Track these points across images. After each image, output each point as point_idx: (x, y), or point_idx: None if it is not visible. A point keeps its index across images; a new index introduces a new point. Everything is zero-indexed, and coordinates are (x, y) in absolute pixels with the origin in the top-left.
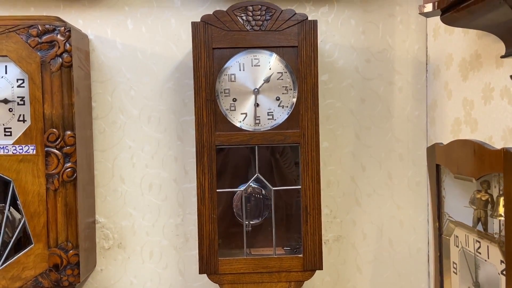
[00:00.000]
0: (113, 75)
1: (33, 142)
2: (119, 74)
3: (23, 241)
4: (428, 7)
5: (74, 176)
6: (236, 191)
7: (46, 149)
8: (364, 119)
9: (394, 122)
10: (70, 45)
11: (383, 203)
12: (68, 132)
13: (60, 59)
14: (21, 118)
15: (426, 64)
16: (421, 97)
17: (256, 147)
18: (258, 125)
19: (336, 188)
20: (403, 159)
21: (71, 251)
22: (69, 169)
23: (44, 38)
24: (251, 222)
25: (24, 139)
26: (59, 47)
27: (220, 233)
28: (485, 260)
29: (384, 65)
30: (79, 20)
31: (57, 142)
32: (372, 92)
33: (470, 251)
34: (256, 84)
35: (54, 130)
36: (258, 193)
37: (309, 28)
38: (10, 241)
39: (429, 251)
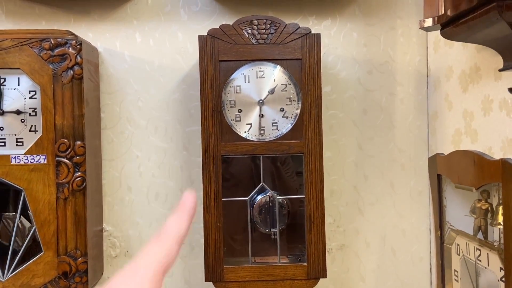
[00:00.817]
0: (122, 87)
1: (44, 152)
2: (127, 85)
3: (33, 249)
4: (428, 22)
5: (84, 185)
6: (242, 200)
7: (57, 158)
8: (367, 129)
9: (396, 133)
10: (81, 58)
11: (386, 212)
12: (78, 142)
13: (72, 72)
14: (32, 129)
15: (427, 76)
16: (422, 108)
17: (261, 157)
18: (263, 135)
19: (339, 197)
20: (405, 169)
21: (79, 258)
22: (79, 178)
23: (56, 51)
24: (272, 230)
25: (35, 149)
26: (70, 60)
27: (226, 241)
28: (485, 268)
29: (386, 77)
30: (89, 33)
31: (68, 152)
32: (374, 103)
33: (470, 259)
34: (261, 96)
35: (65, 140)
36: (273, 202)
37: (313, 41)
38: (20, 250)
39: (431, 260)
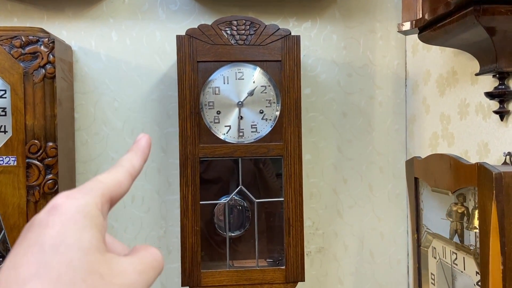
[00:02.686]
0: (97, 87)
1: (14, 154)
2: (103, 85)
3: (3, 254)
4: (406, 26)
5: (56, 188)
6: (221, 203)
7: (27, 160)
8: (346, 132)
9: (375, 136)
10: (53, 56)
11: (364, 215)
12: (50, 144)
13: (43, 70)
14: (2, 129)
15: (405, 79)
16: (400, 111)
17: (240, 159)
18: (242, 138)
19: (318, 200)
20: (383, 172)
21: None
22: (51, 181)
23: (27, 49)
24: (232, 234)
25: (5, 150)
26: (42, 58)
27: (202, 245)
28: (462, 272)
29: (365, 80)
30: (63, 31)
31: (39, 153)
32: (354, 106)
33: (447, 263)
34: (240, 97)
35: (36, 141)
36: (240, 205)
37: (292, 43)
38: None
39: (408, 262)
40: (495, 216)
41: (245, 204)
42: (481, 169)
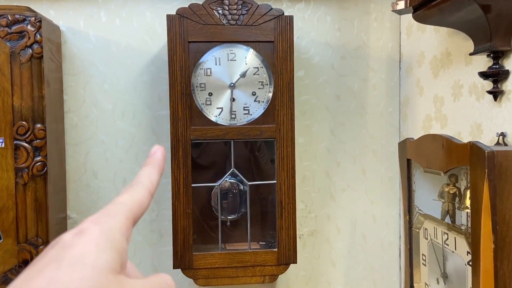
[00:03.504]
0: (86, 68)
1: (2, 135)
2: (92, 67)
3: None
4: (401, 5)
5: (45, 170)
6: (213, 186)
7: (15, 142)
8: (339, 115)
9: (368, 119)
10: (40, 36)
11: (357, 198)
12: (38, 125)
13: (30, 50)
14: None
15: (399, 61)
16: (394, 94)
17: (232, 141)
18: (234, 120)
19: (311, 183)
20: (377, 155)
21: (41, 246)
22: (39, 163)
23: (14, 28)
24: (228, 218)
25: None
26: (29, 37)
27: (195, 228)
28: (453, 252)
29: (359, 62)
30: (50, 11)
31: (27, 135)
32: (347, 88)
33: (438, 243)
34: (232, 79)
35: (24, 123)
36: (235, 189)
37: (285, 24)
38: None
39: (400, 245)
40: (487, 195)
41: (242, 187)
42: (473, 148)
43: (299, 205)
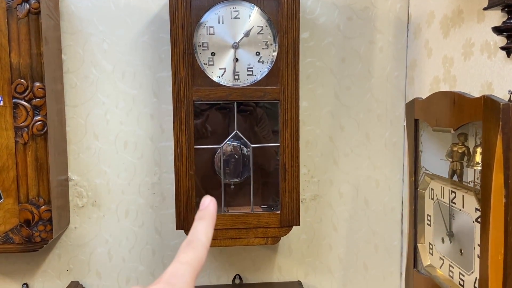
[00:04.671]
0: (84, 27)
1: (0, 93)
2: (91, 25)
3: None
4: None
5: (45, 130)
6: (215, 148)
7: (14, 100)
8: (344, 79)
9: (374, 83)
10: None
11: (360, 163)
12: (37, 84)
13: (27, 5)
14: None
15: (408, 23)
16: (401, 57)
17: (235, 103)
18: (237, 81)
19: (314, 148)
20: (381, 120)
21: (43, 206)
22: (39, 123)
23: None
24: (231, 181)
25: None
26: None
27: (197, 192)
28: (460, 210)
29: (366, 24)
30: None
31: (26, 93)
32: (353, 51)
33: (445, 202)
34: (235, 38)
35: (22, 80)
36: (237, 153)
37: None
38: None
39: (402, 210)
40: (499, 149)
41: (245, 151)
42: (487, 101)
43: (302, 170)
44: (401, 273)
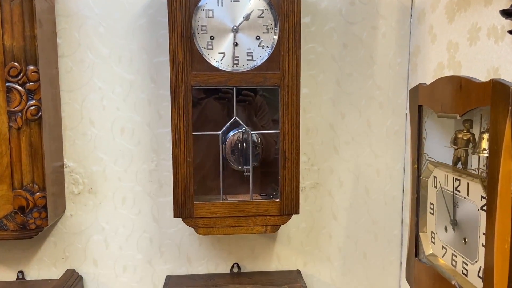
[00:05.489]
0: (80, 9)
1: None
2: (87, 8)
3: None
4: None
5: (39, 115)
6: (214, 134)
7: (7, 84)
8: (346, 65)
9: (376, 69)
10: None
11: (361, 151)
12: (31, 67)
13: None
14: None
15: (411, 8)
16: (404, 43)
17: (234, 88)
18: (236, 66)
19: (315, 135)
20: (383, 107)
21: (37, 193)
22: (33, 107)
23: None
24: (245, 167)
25: None
26: None
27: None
28: (464, 198)
29: (369, 9)
30: None
31: (19, 77)
32: (355, 37)
33: (448, 190)
34: (235, 22)
35: (16, 64)
36: (247, 141)
37: None
38: None
39: (403, 199)
40: (508, 135)
41: (257, 139)
42: (496, 85)
43: (302, 158)
44: (401, 263)
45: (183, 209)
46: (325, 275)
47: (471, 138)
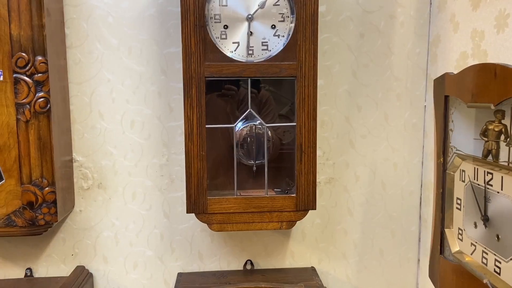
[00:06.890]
0: None
1: (0, 67)
2: None
3: None
4: None
5: (48, 107)
6: (228, 128)
7: (15, 75)
8: (362, 55)
9: (394, 60)
10: None
11: (378, 145)
12: (39, 58)
13: None
14: None
15: None
16: (423, 33)
17: (249, 79)
18: (251, 56)
19: (330, 129)
20: (401, 99)
21: (46, 188)
22: (42, 99)
23: None
24: (251, 163)
25: None
26: None
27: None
28: (498, 192)
29: None
30: None
31: (27, 68)
32: (372, 26)
33: (479, 185)
34: (249, 10)
35: (23, 54)
36: (261, 133)
37: None
38: None
39: (421, 194)
40: None
41: (268, 133)
42: None
43: (317, 152)
44: (418, 260)
45: (196, 204)
46: (341, 272)
47: (503, 129)
